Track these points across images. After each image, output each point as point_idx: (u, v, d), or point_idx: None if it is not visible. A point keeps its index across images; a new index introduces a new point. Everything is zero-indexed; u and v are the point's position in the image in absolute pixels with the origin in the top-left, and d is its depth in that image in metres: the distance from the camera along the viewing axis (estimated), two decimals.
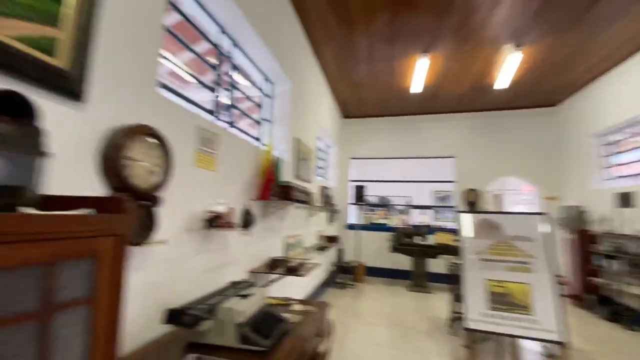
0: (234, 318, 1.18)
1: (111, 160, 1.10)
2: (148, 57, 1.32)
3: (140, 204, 1.24)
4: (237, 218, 2.04)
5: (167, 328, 1.38)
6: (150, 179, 1.27)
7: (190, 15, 1.94)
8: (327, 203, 4.80)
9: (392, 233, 5.53)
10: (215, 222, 1.64)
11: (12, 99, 0.70)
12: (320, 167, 5.25)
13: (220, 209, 1.71)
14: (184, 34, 1.83)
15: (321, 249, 3.89)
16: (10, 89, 0.70)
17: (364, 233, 6.19)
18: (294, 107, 3.30)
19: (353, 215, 6.64)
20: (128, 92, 1.22)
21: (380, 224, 6.49)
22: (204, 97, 2.11)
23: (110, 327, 0.69)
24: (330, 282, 5.19)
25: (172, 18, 1.82)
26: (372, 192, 6.69)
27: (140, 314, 1.27)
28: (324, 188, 4.71)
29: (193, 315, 1.13)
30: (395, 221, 6.60)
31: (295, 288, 3.36)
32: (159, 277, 1.37)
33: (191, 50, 1.85)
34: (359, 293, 4.79)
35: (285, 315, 1.48)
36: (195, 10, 2.00)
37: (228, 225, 1.72)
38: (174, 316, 1.14)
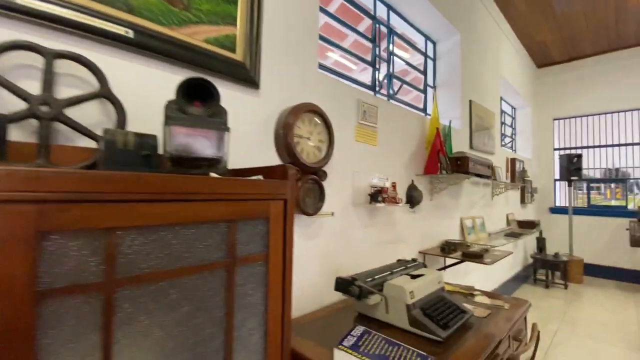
0: (403, 297, 1.07)
1: (283, 137, 1.22)
2: (308, 40, 1.38)
3: (310, 178, 1.32)
4: (401, 194, 1.91)
5: (341, 296, 1.44)
6: (316, 155, 1.34)
7: None
8: (519, 179, 3.84)
9: (634, 220, 3.81)
10: (378, 196, 1.58)
11: (200, 87, 0.85)
12: (506, 135, 4.26)
13: (382, 183, 1.63)
14: (344, 17, 1.85)
15: (512, 235, 3.15)
16: (201, 77, 0.83)
17: (580, 219, 4.59)
18: (464, 63, 2.76)
19: (561, 195, 5.06)
20: (292, 76, 1.32)
21: (608, 206, 4.61)
22: (366, 78, 2.07)
23: (282, 283, 0.73)
24: (525, 277, 4.19)
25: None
26: (592, 163, 4.82)
27: (317, 279, 1.38)
28: (513, 161, 3.78)
29: (359, 287, 1.11)
30: (638, 202, 4.51)
31: (476, 278, 2.89)
32: (330, 247, 1.45)
33: (351, 28, 1.84)
34: (574, 296, 3.60)
35: (467, 306, 1.23)
36: None
37: (392, 201, 1.62)
38: (342, 285, 1.16)
